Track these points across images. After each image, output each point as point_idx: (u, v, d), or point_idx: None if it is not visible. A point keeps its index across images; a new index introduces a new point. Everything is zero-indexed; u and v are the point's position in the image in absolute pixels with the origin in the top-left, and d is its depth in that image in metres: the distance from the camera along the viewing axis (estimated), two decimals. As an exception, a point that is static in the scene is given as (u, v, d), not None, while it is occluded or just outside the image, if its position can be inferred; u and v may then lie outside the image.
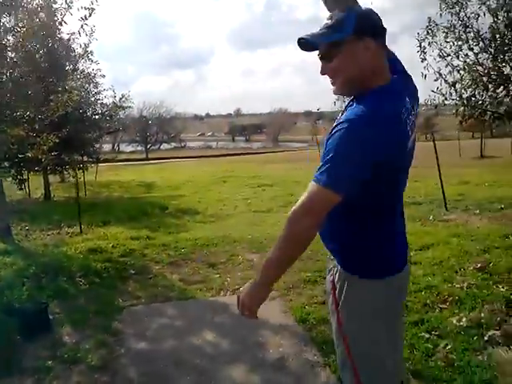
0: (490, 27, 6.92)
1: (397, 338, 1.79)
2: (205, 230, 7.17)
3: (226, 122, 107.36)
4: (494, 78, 6.92)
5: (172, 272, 5.08)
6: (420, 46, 7.52)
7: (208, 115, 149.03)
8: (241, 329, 3.64)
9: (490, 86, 6.93)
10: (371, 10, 1.66)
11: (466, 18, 7.16)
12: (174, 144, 68.03)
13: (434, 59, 7.42)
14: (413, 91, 1.75)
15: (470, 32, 7.15)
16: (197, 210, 9.22)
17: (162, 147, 64.35)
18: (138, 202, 10.74)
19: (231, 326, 3.70)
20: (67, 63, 11.17)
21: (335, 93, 1.71)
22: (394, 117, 1.53)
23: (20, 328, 3.60)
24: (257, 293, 1.62)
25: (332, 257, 1.79)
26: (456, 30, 7.18)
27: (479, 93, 7.08)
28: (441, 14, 7.15)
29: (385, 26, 1.66)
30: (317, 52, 1.66)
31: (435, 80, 7.56)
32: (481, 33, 6.99)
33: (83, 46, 9.89)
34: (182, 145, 72.14)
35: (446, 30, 7.20)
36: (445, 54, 7.34)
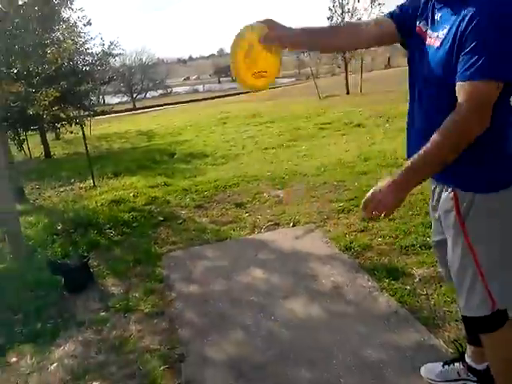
0: None
1: None
2: (219, 171, 7.07)
3: (210, 64, 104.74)
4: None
5: (200, 215, 5.02)
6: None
7: (191, 58, 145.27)
8: (287, 262, 3.63)
9: None
10: None
11: None
12: (160, 91, 66.49)
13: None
14: None
15: None
16: (205, 152, 9.08)
17: (148, 95, 62.92)
18: (144, 150, 10.57)
19: (277, 261, 3.68)
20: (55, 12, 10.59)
21: None
22: None
23: (66, 283, 3.58)
24: (399, 193, 1.55)
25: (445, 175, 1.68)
26: None
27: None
28: None
29: None
30: None
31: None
32: None
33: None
34: (169, 91, 70.58)
35: None
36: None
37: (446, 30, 1.48)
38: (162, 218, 4.97)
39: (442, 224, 1.77)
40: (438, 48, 1.51)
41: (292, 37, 1.77)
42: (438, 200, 1.77)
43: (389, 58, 70.46)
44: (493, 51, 1.35)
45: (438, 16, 1.56)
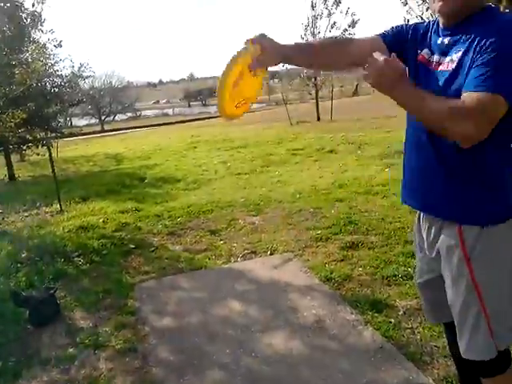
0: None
1: None
2: (192, 196, 6.92)
3: (180, 88, 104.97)
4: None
5: (173, 243, 4.84)
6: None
7: (161, 82, 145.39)
8: (266, 294, 3.50)
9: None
10: None
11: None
12: (129, 114, 66.02)
13: (417, 2, 7.28)
14: None
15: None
16: (176, 177, 8.90)
17: (116, 118, 62.34)
18: (113, 174, 10.31)
19: (255, 292, 3.54)
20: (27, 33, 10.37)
21: (447, 8, 1.49)
22: None
23: (30, 316, 3.35)
24: (392, 83, 1.43)
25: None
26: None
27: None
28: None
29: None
30: None
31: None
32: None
33: (34, 14, 9.20)
34: (138, 114, 70.18)
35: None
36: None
37: (460, 53, 1.45)
38: (133, 246, 4.77)
39: (443, 261, 1.68)
40: (453, 70, 1.47)
41: (284, 52, 1.68)
42: (437, 237, 1.69)
43: (357, 86, 72.21)
44: (505, 68, 1.34)
45: (446, 41, 1.51)
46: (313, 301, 3.32)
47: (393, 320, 2.97)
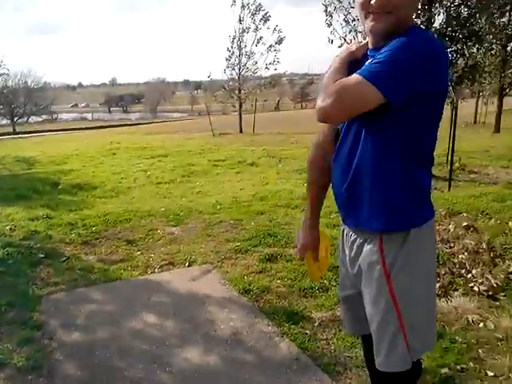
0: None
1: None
2: (109, 205, 6.66)
3: (100, 92, 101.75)
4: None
5: (87, 253, 4.61)
6: (326, 11, 7.59)
7: (81, 85, 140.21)
8: (184, 306, 3.42)
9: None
10: None
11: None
12: (44, 116, 62.90)
13: (341, 24, 7.55)
14: None
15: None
16: (93, 184, 8.55)
17: (30, 120, 59.14)
18: (23, 178, 9.69)
19: (172, 305, 3.45)
20: None
21: (377, 28, 1.56)
22: (446, 53, 1.63)
23: None
24: None
25: (362, 227, 1.69)
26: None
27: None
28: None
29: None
30: None
31: (339, 46, 7.70)
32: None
33: None
34: (54, 117, 67.10)
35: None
36: (350, 20, 7.47)
37: None
38: (42, 255, 4.48)
39: (363, 277, 1.71)
40: None
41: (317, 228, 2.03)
42: (358, 253, 1.72)
43: (278, 101, 73.89)
44: (388, 62, 1.44)
45: (370, 59, 1.56)
46: (231, 313, 3.28)
47: (308, 331, 3.01)
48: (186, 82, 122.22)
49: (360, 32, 7.43)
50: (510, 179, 6.96)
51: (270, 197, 6.49)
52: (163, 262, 4.29)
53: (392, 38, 1.51)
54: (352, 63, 1.64)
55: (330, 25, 7.81)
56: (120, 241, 4.89)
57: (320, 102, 1.51)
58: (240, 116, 21.72)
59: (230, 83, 21.63)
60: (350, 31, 7.69)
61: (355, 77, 1.47)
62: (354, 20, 7.62)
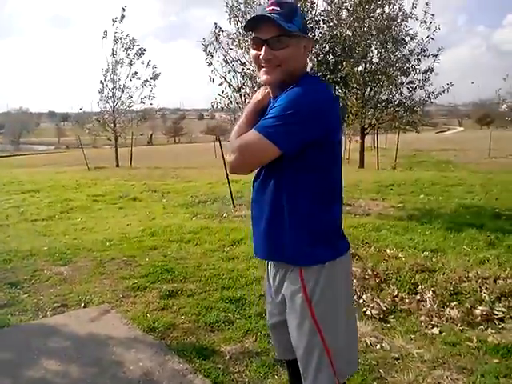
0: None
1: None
2: (-20, 245, 6.08)
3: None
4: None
5: (-37, 298, 4.17)
6: (206, 50, 7.83)
7: None
8: (87, 350, 3.24)
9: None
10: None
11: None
12: None
13: (221, 64, 7.82)
14: None
15: (250, 42, 7.71)
16: (-44, 222, 7.73)
17: None
18: None
19: (74, 349, 3.25)
20: None
21: (270, 81, 1.72)
22: (335, 99, 1.81)
23: None
24: None
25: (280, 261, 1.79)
26: (239, 39, 7.69)
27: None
28: (229, 21, 7.58)
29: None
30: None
31: (220, 84, 7.96)
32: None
33: None
34: None
35: (231, 37, 7.66)
36: (229, 60, 7.79)
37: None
38: None
39: (288, 305, 1.82)
40: None
41: None
42: (282, 283, 1.84)
43: (151, 135, 73.27)
44: (278, 117, 1.60)
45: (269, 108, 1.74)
46: (138, 353, 3.19)
47: (221, 365, 3.03)
48: (52, 114, 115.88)
49: (239, 72, 7.76)
50: (380, 210, 7.69)
51: (161, 232, 6.42)
52: (55, 305, 4.03)
53: (287, 87, 1.68)
54: (261, 110, 1.80)
55: (210, 64, 8.04)
56: (2, 283, 4.49)
57: (228, 157, 1.68)
58: (116, 150, 21.17)
59: (106, 116, 21.05)
60: (229, 71, 7.98)
61: (253, 133, 1.63)
62: (234, 60, 7.95)
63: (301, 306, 1.75)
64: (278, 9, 1.64)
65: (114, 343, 3.33)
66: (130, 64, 20.76)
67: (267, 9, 1.66)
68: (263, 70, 1.71)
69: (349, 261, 1.91)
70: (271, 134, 1.58)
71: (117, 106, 21.20)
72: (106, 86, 20.99)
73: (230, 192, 8.48)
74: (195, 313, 3.79)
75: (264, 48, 1.66)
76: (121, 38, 20.45)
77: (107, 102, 20.97)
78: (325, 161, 1.70)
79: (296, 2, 1.78)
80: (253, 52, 1.73)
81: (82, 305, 4.02)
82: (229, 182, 8.51)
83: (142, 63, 20.87)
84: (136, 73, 20.82)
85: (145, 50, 20.77)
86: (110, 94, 20.91)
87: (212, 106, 8.10)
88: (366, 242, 5.54)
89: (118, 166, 20.17)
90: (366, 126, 16.85)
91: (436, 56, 15.03)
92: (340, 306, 1.79)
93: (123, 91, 20.92)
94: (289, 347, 1.92)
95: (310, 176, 1.68)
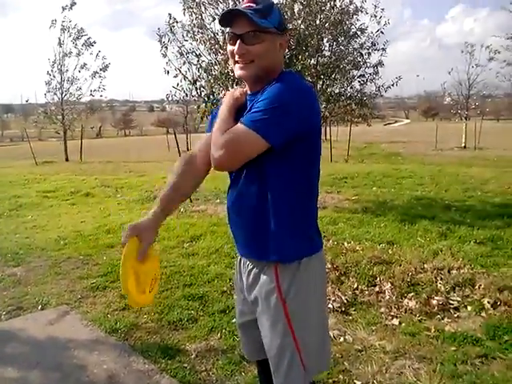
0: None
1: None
2: None
3: None
4: (233, 78, 7.51)
5: None
6: (161, 41, 7.67)
7: None
8: (47, 354, 3.15)
9: (229, 85, 7.48)
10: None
11: (201, 20, 7.59)
12: None
13: (175, 56, 7.68)
14: None
15: (205, 34, 7.61)
16: None
17: None
18: None
19: (33, 354, 3.14)
20: None
21: (245, 76, 1.72)
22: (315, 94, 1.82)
23: None
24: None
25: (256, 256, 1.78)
26: (193, 30, 7.57)
27: (219, 90, 7.60)
28: (184, 13, 7.45)
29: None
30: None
31: (175, 76, 7.81)
32: (217, 35, 7.52)
33: None
34: None
35: (185, 29, 7.54)
36: (184, 52, 7.66)
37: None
38: None
39: (260, 304, 1.82)
40: None
41: (158, 219, 1.76)
42: (255, 281, 1.83)
43: (100, 128, 71.37)
44: (266, 110, 1.59)
45: (249, 103, 1.73)
46: (101, 355, 3.12)
47: (187, 365, 3.01)
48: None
49: (194, 64, 7.65)
50: (336, 203, 7.83)
51: (117, 229, 6.29)
52: (10, 308, 3.88)
53: (266, 83, 1.69)
54: (238, 109, 1.79)
55: (165, 55, 7.88)
56: None
57: (213, 154, 1.63)
58: (65, 143, 20.52)
59: (53, 108, 20.35)
60: (184, 63, 7.85)
61: (240, 127, 1.61)
62: (189, 52, 7.83)
63: (274, 306, 1.75)
64: (254, 5, 1.65)
65: (76, 346, 3.25)
66: (78, 55, 20.18)
67: (243, 5, 1.67)
68: (238, 65, 1.71)
69: (323, 258, 1.92)
70: (259, 128, 1.58)
71: (65, 97, 20.56)
72: (54, 77, 20.32)
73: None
74: (158, 312, 3.74)
75: (238, 43, 1.66)
76: (68, 28, 19.82)
77: (55, 94, 20.30)
78: (308, 154, 1.72)
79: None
80: (229, 47, 1.73)
81: (39, 307, 3.90)
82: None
83: (91, 54, 20.35)
84: (85, 64, 20.25)
85: (94, 42, 20.25)
86: (58, 85, 20.22)
87: (167, 98, 7.95)
88: (325, 236, 5.62)
89: (67, 160, 19.58)
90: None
91: (384, 50, 15.37)
92: (313, 307, 1.80)
93: (72, 83, 20.29)
94: (258, 347, 1.91)
95: (295, 169, 1.69)
